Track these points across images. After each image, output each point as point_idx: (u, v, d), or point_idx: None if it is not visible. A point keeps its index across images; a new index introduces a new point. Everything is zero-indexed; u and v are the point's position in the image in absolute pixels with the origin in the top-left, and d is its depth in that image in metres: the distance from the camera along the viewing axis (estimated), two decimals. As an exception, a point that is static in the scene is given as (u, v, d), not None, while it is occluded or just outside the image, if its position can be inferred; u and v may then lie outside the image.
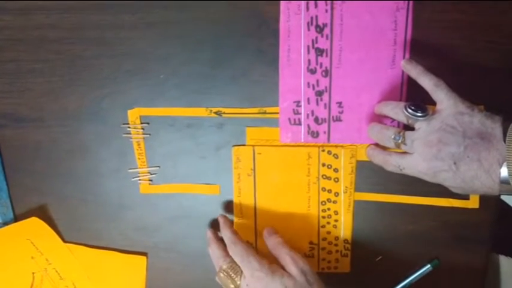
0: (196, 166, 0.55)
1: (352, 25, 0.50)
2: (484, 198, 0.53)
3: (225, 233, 0.51)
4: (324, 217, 0.55)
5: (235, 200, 0.55)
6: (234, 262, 0.48)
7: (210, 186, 0.55)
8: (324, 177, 0.54)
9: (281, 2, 0.50)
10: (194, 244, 0.57)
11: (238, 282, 0.47)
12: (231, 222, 0.54)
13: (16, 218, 0.57)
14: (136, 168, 0.55)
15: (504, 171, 0.40)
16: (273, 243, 0.51)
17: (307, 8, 0.50)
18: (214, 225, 0.55)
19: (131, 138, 0.54)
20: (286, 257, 0.48)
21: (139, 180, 0.55)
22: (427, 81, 0.46)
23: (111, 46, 0.51)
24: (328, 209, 0.55)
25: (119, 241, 0.57)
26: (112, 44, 0.51)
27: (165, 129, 0.54)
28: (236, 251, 0.49)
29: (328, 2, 0.49)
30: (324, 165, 0.54)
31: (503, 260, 0.56)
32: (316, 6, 0.50)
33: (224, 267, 0.48)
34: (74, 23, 0.51)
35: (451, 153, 0.43)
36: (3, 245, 0.57)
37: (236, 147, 0.54)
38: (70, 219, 0.57)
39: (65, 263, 0.57)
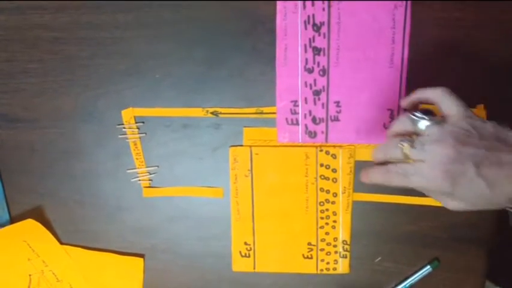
0: (193, 167, 0.54)
1: (350, 23, 0.49)
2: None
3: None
4: (322, 218, 0.55)
5: (233, 201, 0.55)
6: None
7: (214, 189, 0.55)
8: (322, 177, 0.54)
9: (277, 0, 0.49)
10: (191, 246, 0.56)
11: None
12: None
13: (12, 220, 0.56)
14: (134, 168, 0.54)
15: None
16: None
17: (304, 7, 0.49)
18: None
19: (127, 138, 0.53)
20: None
21: (139, 180, 0.55)
22: (432, 94, 0.43)
23: (106, 46, 0.51)
24: (327, 209, 0.55)
25: (116, 243, 0.57)
26: (107, 43, 0.51)
27: (162, 129, 0.53)
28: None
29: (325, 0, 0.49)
30: (322, 165, 0.53)
31: None
32: (313, 4, 0.49)
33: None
34: (68, 23, 0.50)
35: (470, 155, 0.38)
36: (-1, 247, 0.56)
37: (233, 148, 0.53)
38: (66, 221, 0.56)
39: (61, 265, 0.57)
